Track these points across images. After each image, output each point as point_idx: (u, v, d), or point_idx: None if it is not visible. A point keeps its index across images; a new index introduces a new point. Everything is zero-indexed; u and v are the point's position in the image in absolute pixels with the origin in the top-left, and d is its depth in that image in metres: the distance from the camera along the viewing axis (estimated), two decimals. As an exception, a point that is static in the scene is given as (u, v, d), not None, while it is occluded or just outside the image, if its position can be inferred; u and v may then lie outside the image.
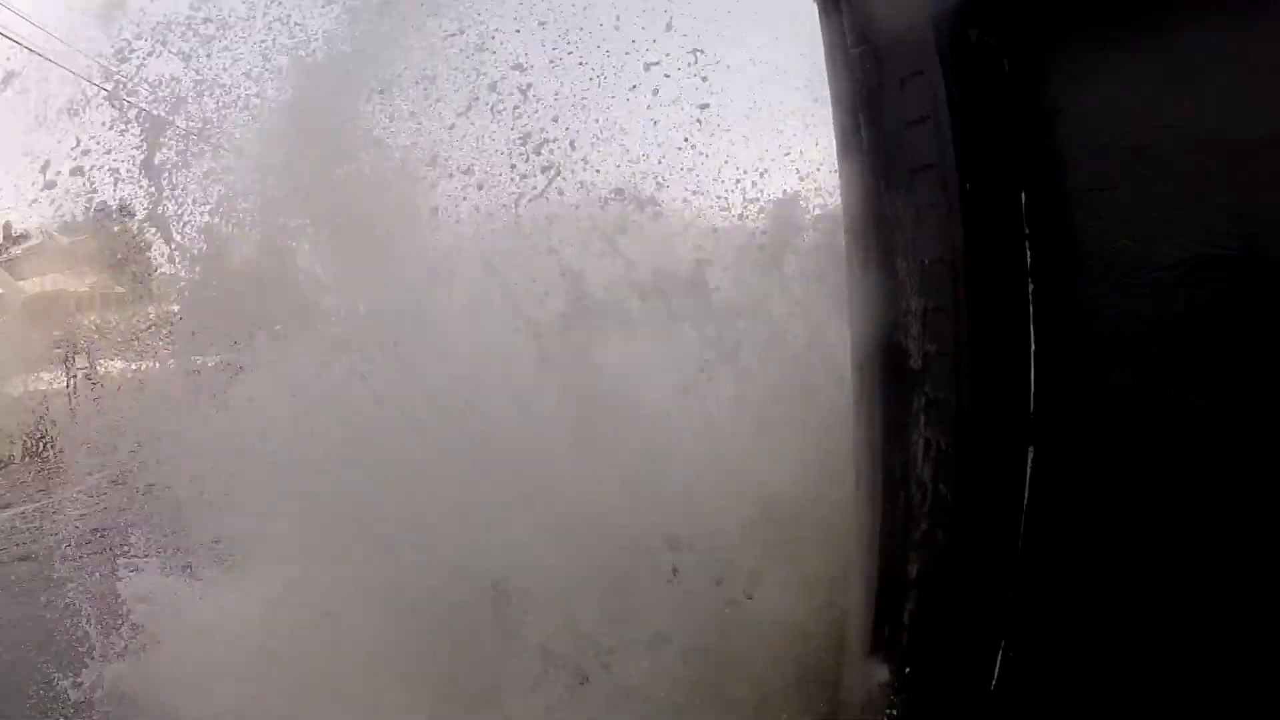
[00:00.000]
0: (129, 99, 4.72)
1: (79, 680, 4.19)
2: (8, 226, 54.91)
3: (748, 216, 4.37)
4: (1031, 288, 2.24)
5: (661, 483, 3.63)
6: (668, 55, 4.27)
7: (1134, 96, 1.91)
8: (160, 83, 4.62)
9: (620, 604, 3.48)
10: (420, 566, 3.71)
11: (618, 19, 4.43)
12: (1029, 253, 2.22)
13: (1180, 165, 1.81)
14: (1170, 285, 1.84)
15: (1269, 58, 1.62)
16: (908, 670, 2.66)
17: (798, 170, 4.30)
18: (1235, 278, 1.71)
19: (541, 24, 4.55)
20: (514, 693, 3.45)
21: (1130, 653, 2.06)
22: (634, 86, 4.34)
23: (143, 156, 4.43)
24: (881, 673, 2.76)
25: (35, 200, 5.20)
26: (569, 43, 4.53)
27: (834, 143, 2.62)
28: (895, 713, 2.75)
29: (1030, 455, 2.30)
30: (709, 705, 3.24)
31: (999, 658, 2.49)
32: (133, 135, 4.49)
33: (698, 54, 4.30)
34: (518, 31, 4.57)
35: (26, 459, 16.84)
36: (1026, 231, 2.22)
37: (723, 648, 3.42)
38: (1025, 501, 2.32)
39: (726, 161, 4.49)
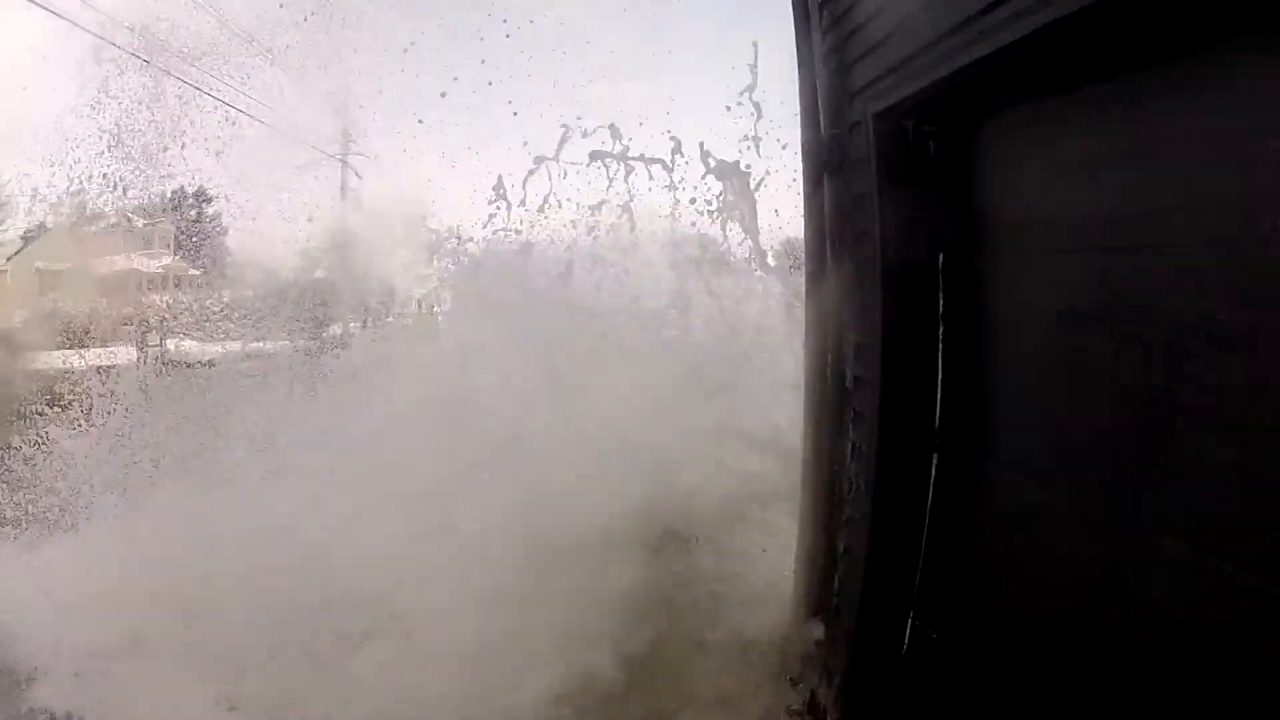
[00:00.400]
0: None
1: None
2: (84, 205, 58.58)
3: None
4: (941, 330, 2.88)
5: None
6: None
7: (1022, 178, 2.51)
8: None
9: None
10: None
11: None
12: (941, 303, 2.88)
13: (1048, 233, 2.39)
14: (1047, 328, 2.36)
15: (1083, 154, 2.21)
16: (836, 630, 3.31)
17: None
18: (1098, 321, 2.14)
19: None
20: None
21: (1011, 627, 2.57)
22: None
23: (218, 146, 5.29)
24: (818, 630, 3.42)
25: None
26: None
27: (801, 208, 3.34)
28: (826, 666, 3.40)
29: (935, 461, 2.95)
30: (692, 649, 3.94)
31: (909, 625, 3.13)
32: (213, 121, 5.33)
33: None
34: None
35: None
36: (940, 284, 2.87)
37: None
38: (930, 498, 2.97)
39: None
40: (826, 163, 3.19)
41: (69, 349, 34.47)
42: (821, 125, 3.19)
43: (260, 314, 42.99)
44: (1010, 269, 2.57)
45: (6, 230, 47.27)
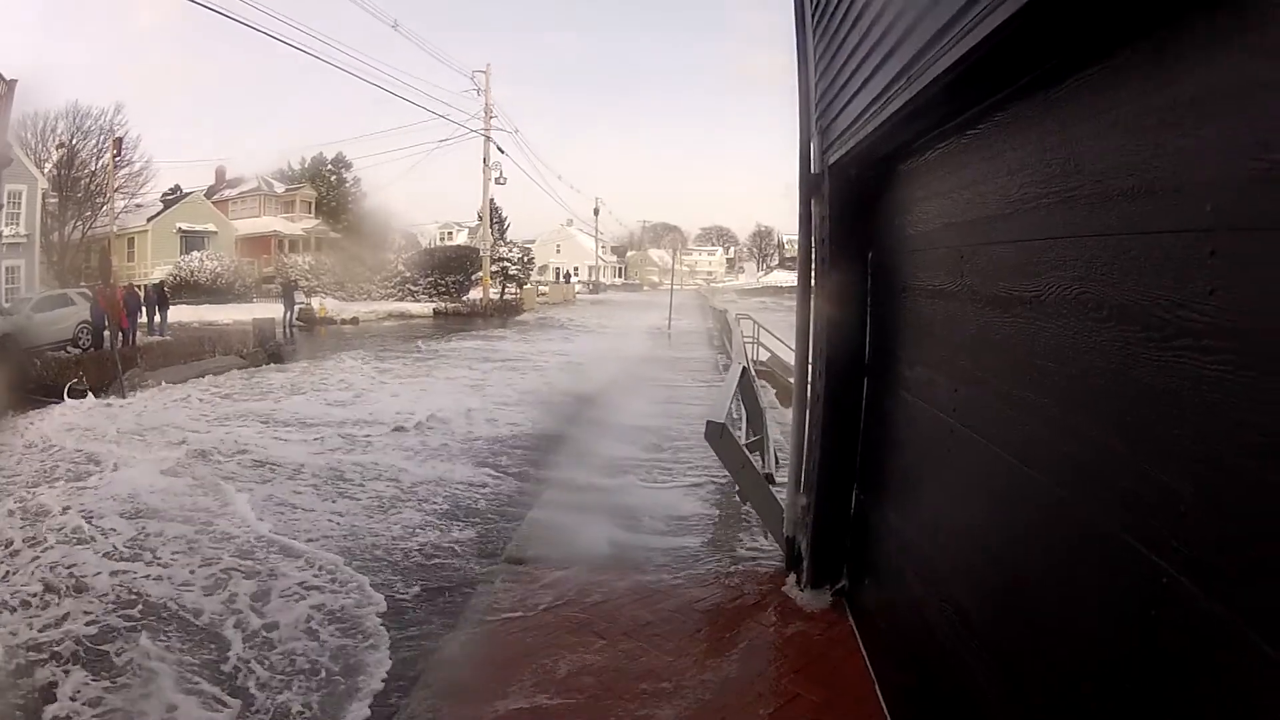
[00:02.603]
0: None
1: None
2: (221, 171, 62.41)
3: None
4: (869, 303, 4.92)
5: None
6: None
7: (915, 202, 4.40)
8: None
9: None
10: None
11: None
12: (869, 283, 4.91)
13: (930, 238, 4.26)
14: (925, 301, 4.05)
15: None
16: (809, 499, 5.40)
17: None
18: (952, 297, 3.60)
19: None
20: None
21: (906, 494, 4.42)
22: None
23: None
24: (804, 499, 5.50)
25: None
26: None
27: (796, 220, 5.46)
28: (805, 524, 5.49)
29: (865, 384, 5.01)
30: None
31: (853, 494, 5.19)
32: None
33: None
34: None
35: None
36: (868, 271, 4.90)
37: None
38: (863, 408, 5.03)
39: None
40: (812, 192, 5.26)
41: (212, 303, 38.36)
42: (811, 167, 5.26)
43: (402, 276, 45.77)
44: (907, 259, 4.34)
45: (147, 193, 52.17)
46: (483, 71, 51.67)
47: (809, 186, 5.29)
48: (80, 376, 17.76)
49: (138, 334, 25.20)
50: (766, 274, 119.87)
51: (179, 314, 31.70)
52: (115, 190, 47.59)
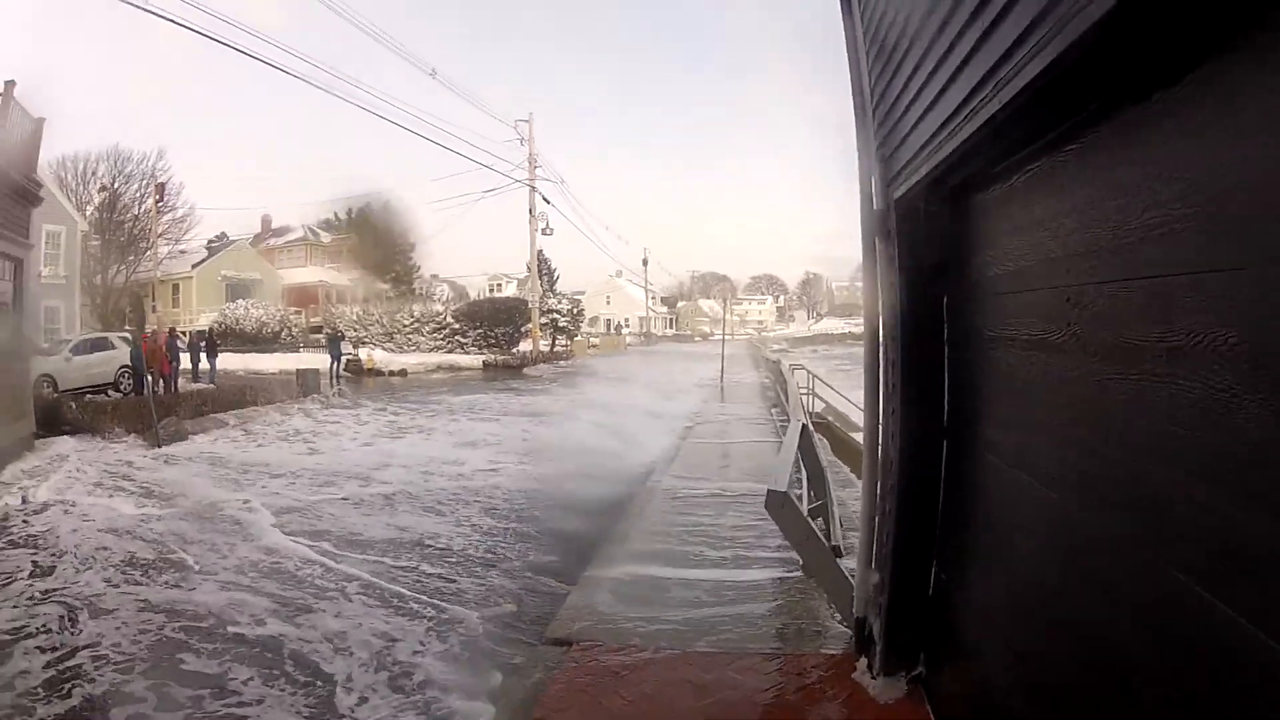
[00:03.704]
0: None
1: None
2: (267, 220, 63.56)
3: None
4: (947, 356, 4.39)
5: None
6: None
7: (999, 236, 3.89)
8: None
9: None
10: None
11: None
12: (946, 332, 4.39)
13: (1022, 278, 3.77)
14: (1018, 353, 3.51)
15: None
16: (883, 575, 4.84)
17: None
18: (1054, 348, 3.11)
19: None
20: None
21: (999, 574, 3.87)
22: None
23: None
24: (875, 577, 4.95)
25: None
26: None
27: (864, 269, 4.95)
28: (877, 604, 4.92)
29: (944, 447, 4.46)
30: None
31: (932, 571, 4.62)
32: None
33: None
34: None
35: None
36: (945, 319, 4.38)
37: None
38: (943, 469, 4.47)
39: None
40: (876, 231, 4.77)
41: (258, 352, 38.99)
42: (874, 202, 4.77)
43: (451, 328, 46.63)
44: (991, 304, 3.83)
45: (191, 239, 53.25)
46: (525, 121, 52.30)
47: (873, 225, 4.78)
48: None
49: (179, 381, 25.59)
50: (817, 321, 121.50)
51: (224, 362, 32.14)
52: (159, 236, 48.54)
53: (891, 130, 4.45)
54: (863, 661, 5.11)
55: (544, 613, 7.50)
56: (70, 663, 6.88)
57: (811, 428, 10.44)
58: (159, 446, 17.23)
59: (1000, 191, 3.62)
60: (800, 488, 7.78)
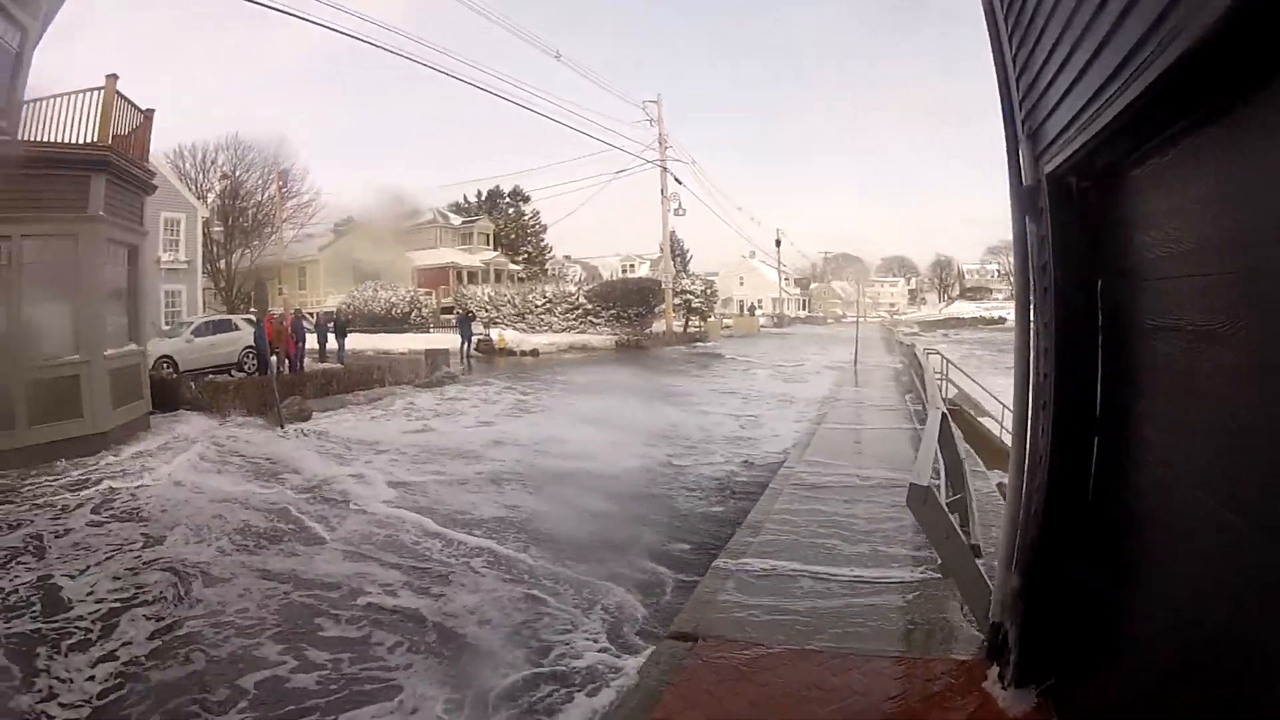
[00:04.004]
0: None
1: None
2: (399, 200, 64.36)
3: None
4: (1100, 344, 4.04)
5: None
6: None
7: (1160, 215, 3.55)
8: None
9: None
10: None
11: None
12: (1100, 319, 4.03)
13: (1187, 262, 3.40)
14: (1181, 343, 3.17)
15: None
16: (1023, 580, 4.52)
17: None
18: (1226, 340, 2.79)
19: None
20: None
21: (1146, 582, 3.51)
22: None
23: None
24: (1015, 581, 4.62)
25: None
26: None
27: (1013, 247, 4.59)
28: (1015, 610, 4.60)
29: (1095, 444, 4.11)
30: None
31: (1070, 576, 4.27)
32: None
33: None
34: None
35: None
36: (1099, 304, 4.03)
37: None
38: (1093, 467, 4.12)
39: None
40: (1027, 209, 4.42)
41: (387, 333, 40.01)
42: (1022, 178, 4.44)
43: (584, 309, 47.35)
44: (1150, 290, 3.50)
45: (318, 223, 54.80)
46: (654, 101, 52.32)
47: (1022, 202, 4.45)
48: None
49: (304, 361, 26.17)
50: (948, 305, 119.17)
51: (353, 342, 33.00)
52: (284, 221, 50.12)
53: (1038, 102, 4.16)
54: (994, 670, 4.81)
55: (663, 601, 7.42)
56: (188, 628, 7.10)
57: (949, 417, 9.99)
58: (280, 426, 17.52)
59: (1161, 165, 3.27)
60: (938, 479, 7.43)
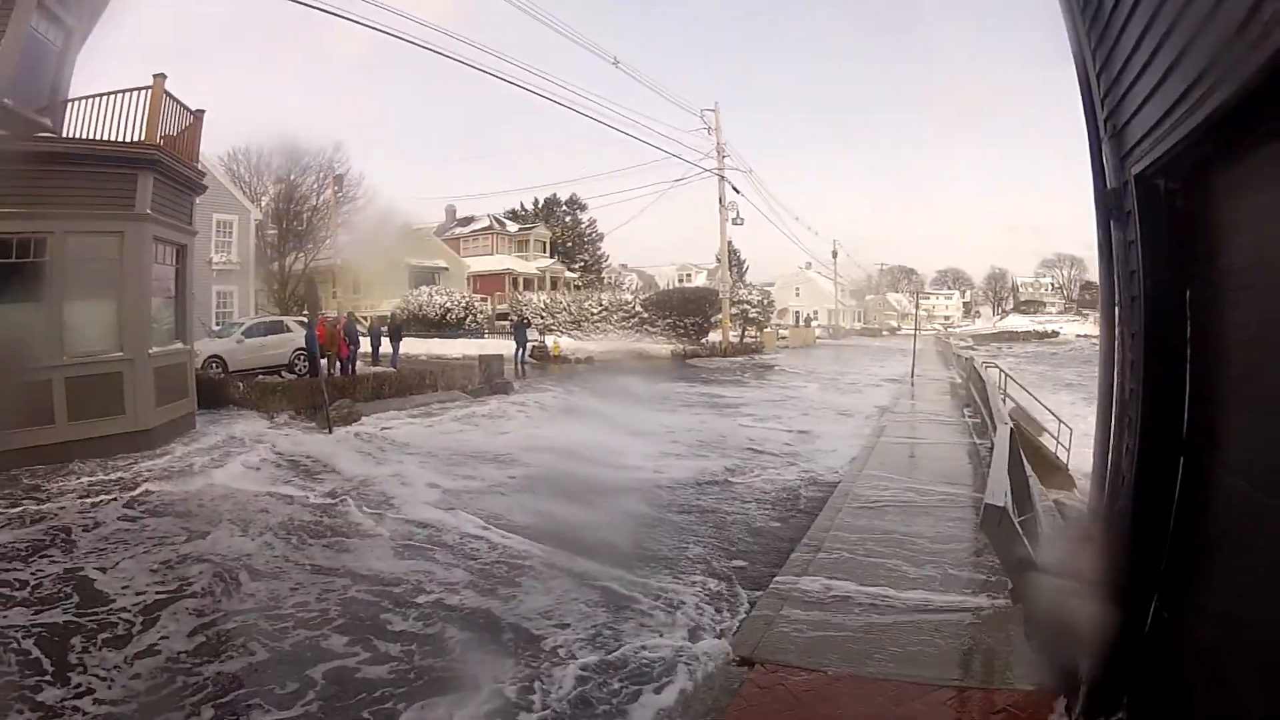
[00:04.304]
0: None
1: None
2: (451, 210, 65.30)
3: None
4: (1189, 358, 3.76)
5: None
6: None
7: (1259, 219, 3.29)
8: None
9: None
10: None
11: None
12: (1189, 330, 3.76)
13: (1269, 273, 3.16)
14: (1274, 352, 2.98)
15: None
16: (1100, 608, 4.23)
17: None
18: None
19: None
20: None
21: (1235, 621, 3.26)
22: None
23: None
24: (1089, 608, 4.33)
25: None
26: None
27: (1097, 253, 4.33)
28: (1093, 640, 4.31)
29: (1181, 465, 3.83)
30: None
31: (1152, 608, 3.99)
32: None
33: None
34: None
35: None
36: (1188, 316, 3.76)
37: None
38: (1177, 490, 3.84)
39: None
40: (1111, 212, 4.17)
41: (442, 338, 40.12)
42: (1106, 180, 4.18)
43: (640, 317, 47.29)
44: (1247, 298, 3.23)
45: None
46: (711, 110, 51.81)
47: (1106, 204, 4.21)
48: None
49: (357, 364, 26.15)
50: (1002, 318, 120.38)
51: (408, 346, 32.97)
52: (339, 225, 50.49)
53: (1121, 101, 3.94)
54: (1060, 702, 4.58)
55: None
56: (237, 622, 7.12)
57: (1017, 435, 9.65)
58: (329, 429, 17.41)
59: (1255, 165, 3.02)
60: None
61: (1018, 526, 5.18)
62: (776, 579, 7.09)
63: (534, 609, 7.43)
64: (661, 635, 6.75)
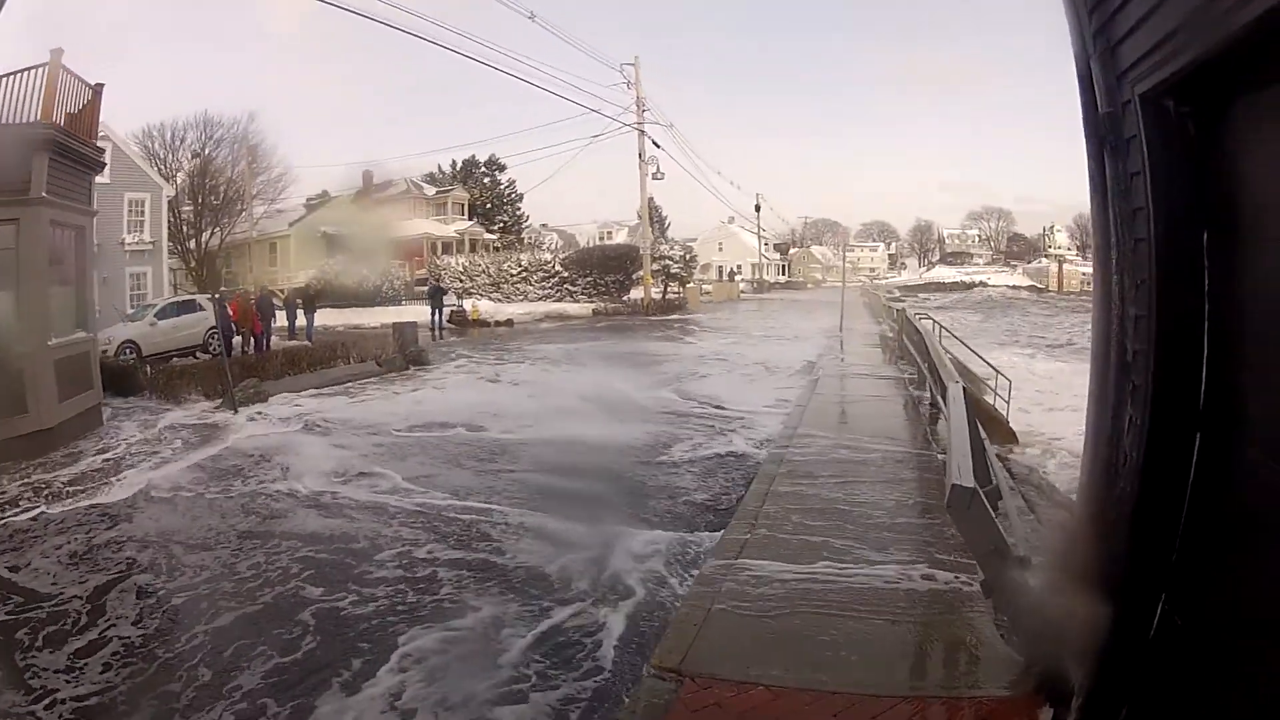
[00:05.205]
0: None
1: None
2: (369, 175, 64.80)
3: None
4: (1207, 308, 3.15)
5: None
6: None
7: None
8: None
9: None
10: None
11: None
12: (1207, 280, 3.14)
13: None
14: None
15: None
16: (1097, 608, 3.64)
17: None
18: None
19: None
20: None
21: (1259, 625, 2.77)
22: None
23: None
24: (1082, 607, 3.74)
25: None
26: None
27: (1087, 184, 3.66)
28: (1088, 644, 3.73)
29: (1197, 442, 3.23)
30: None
31: (1159, 609, 3.40)
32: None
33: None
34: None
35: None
36: (1206, 264, 3.14)
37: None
38: (1192, 472, 3.24)
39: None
40: (1105, 140, 3.50)
41: (359, 307, 39.37)
42: (1098, 103, 3.51)
43: (560, 277, 47.20)
44: (1271, 247, 2.73)
45: (288, 198, 53.90)
46: (631, 64, 50.88)
47: (1099, 132, 3.52)
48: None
49: (272, 339, 25.55)
50: (929, 270, 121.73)
51: (323, 318, 32.28)
52: (253, 197, 49.32)
53: (1122, 6, 3.25)
54: (1046, 712, 4.04)
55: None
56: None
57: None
58: (234, 410, 16.48)
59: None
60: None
61: (990, 510, 4.51)
62: (705, 565, 6.46)
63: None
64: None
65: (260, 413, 16.60)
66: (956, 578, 5.77)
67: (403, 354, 23.83)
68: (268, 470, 11.93)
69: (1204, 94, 2.96)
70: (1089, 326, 4.14)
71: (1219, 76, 2.81)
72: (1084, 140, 3.63)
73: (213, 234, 46.04)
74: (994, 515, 4.46)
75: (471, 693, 5.24)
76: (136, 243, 33.61)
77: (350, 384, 20.35)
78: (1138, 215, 3.31)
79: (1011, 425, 13.75)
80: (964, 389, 7.50)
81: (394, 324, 27.23)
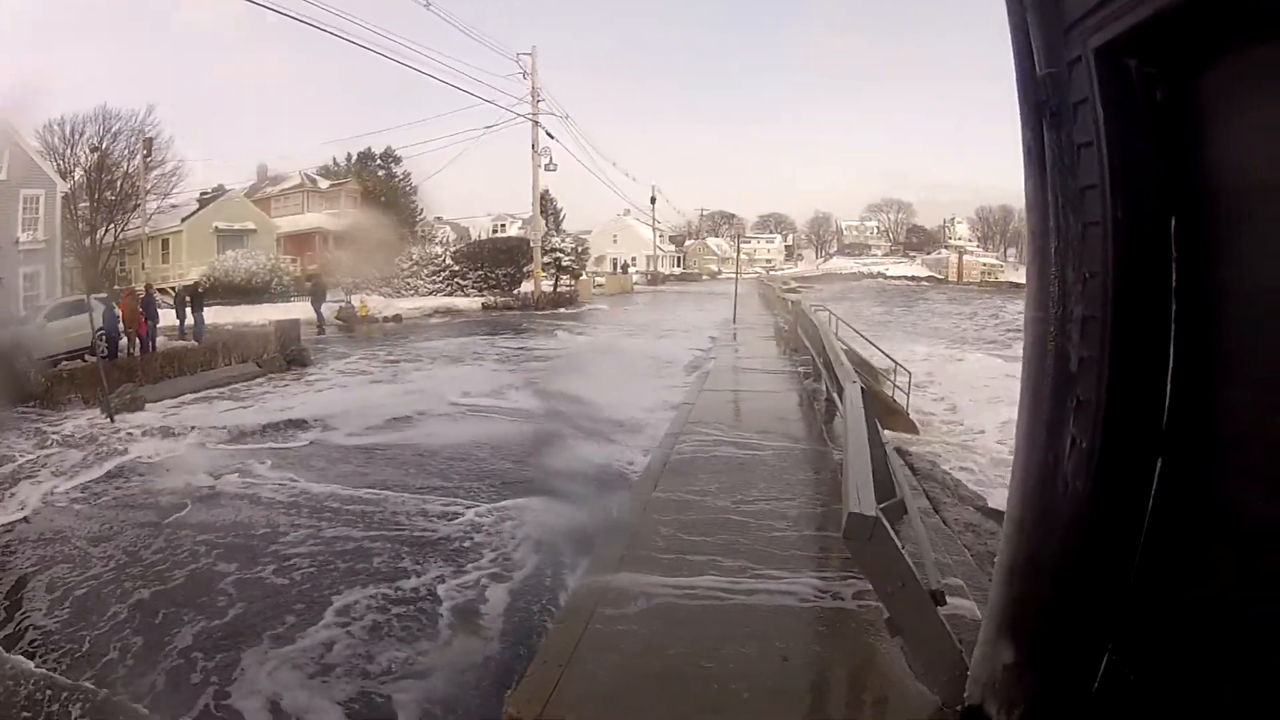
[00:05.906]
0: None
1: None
2: (263, 169, 63.22)
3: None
4: (1175, 308, 2.63)
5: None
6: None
7: (1263, 125, 2.22)
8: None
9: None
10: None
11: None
12: (1175, 275, 2.62)
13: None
14: None
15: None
16: (1025, 655, 3.12)
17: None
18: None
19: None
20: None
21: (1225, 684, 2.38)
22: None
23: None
24: (1006, 654, 3.22)
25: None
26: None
27: (1023, 165, 3.07)
28: (1009, 693, 3.21)
29: (1158, 466, 2.70)
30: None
31: (1104, 661, 2.88)
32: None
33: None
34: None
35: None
36: (1174, 254, 2.61)
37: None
38: (1150, 502, 2.72)
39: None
40: (1045, 106, 2.93)
41: (248, 303, 38.17)
42: (1036, 63, 2.94)
43: (450, 271, 46.61)
44: (1253, 233, 2.30)
45: (181, 193, 52.19)
46: (527, 54, 50.25)
47: (1037, 96, 2.95)
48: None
49: (157, 340, 24.30)
50: (825, 260, 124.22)
51: (213, 315, 30.99)
52: (147, 192, 47.77)
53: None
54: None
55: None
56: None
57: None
58: (110, 418, 15.32)
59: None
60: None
61: (897, 542, 3.87)
62: (577, 585, 5.80)
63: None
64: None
65: (135, 424, 15.32)
66: (868, 606, 5.15)
67: (283, 354, 22.69)
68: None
69: (1174, 51, 2.47)
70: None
71: (1193, 30, 2.34)
72: (1018, 108, 3.04)
73: (108, 230, 44.69)
74: (899, 544, 3.84)
75: None
76: (30, 241, 32.25)
77: (231, 386, 19.30)
78: (1087, 195, 2.75)
79: (911, 416, 13.58)
80: (862, 389, 6.96)
81: (275, 323, 26.06)
